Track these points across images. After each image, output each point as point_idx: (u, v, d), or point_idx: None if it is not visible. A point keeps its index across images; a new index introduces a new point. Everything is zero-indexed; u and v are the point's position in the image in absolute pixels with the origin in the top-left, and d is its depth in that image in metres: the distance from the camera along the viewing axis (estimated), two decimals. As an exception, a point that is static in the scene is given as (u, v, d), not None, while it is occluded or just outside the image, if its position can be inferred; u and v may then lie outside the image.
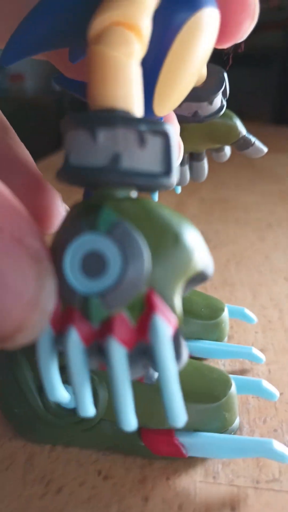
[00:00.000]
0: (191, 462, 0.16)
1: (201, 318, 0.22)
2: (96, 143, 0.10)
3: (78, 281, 0.10)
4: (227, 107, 0.19)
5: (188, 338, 0.22)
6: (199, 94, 0.18)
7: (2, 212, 0.09)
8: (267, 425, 0.18)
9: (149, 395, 0.16)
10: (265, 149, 0.21)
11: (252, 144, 0.20)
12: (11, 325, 0.09)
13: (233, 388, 0.17)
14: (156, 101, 0.13)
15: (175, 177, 0.10)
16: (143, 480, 0.15)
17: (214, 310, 0.23)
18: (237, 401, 0.17)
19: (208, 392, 0.17)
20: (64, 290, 0.10)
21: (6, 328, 0.09)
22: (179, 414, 0.10)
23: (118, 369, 0.10)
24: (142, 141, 0.10)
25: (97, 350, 0.10)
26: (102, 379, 0.16)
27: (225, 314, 0.23)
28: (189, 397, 0.15)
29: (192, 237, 0.11)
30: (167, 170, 0.10)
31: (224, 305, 0.23)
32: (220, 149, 0.21)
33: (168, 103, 0.14)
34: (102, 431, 0.16)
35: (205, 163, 0.21)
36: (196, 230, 0.11)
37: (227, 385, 0.17)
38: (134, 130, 0.10)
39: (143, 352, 0.10)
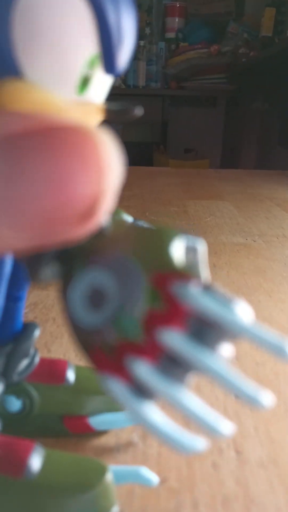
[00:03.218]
0: None
1: (101, 393, 0.24)
2: None
3: (93, 315, 0.11)
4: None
5: (89, 413, 0.24)
6: None
7: None
8: (146, 515, 0.19)
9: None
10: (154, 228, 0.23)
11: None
12: (93, 197, 0.10)
13: (108, 476, 0.18)
14: None
15: None
16: None
17: None
18: (113, 488, 0.19)
19: (82, 482, 0.18)
20: (106, 330, 0.11)
21: (90, 199, 0.10)
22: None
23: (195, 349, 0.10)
24: None
25: (170, 363, 0.11)
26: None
27: None
28: (64, 489, 0.17)
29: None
30: None
31: None
32: None
33: None
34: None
35: None
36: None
37: (101, 473, 0.18)
38: None
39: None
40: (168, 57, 1.68)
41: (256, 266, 0.47)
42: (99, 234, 0.12)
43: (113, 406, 0.24)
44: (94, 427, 0.24)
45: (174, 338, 0.10)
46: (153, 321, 0.10)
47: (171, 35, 1.67)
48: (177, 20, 1.65)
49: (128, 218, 0.23)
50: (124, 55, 0.15)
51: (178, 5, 1.63)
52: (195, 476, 0.21)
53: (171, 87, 1.69)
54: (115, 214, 0.23)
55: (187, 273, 0.11)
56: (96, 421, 0.24)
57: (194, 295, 0.10)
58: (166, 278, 0.11)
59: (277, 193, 0.86)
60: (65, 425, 0.24)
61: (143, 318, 0.10)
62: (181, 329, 0.10)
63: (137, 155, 1.53)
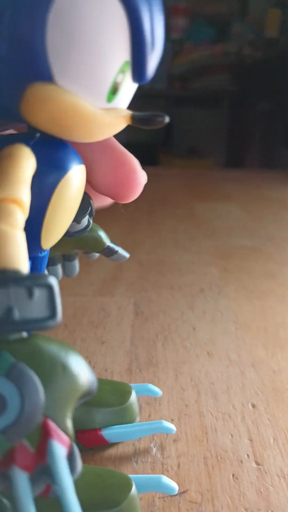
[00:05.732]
0: None
1: (112, 406, 0.24)
2: None
3: None
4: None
5: (101, 426, 0.23)
6: None
7: None
8: (168, 529, 0.19)
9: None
10: (127, 255, 0.24)
11: (116, 252, 0.23)
12: None
13: (134, 491, 0.18)
14: (43, 240, 0.16)
15: (59, 316, 0.12)
16: None
17: (122, 395, 0.24)
18: (138, 504, 0.18)
19: (108, 498, 0.18)
20: None
21: None
22: None
23: (21, 491, 0.12)
24: (30, 294, 0.12)
25: (3, 475, 0.12)
26: None
27: (133, 396, 0.25)
28: (89, 506, 0.17)
29: (77, 364, 0.13)
30: (53, 314, 0.12)
31: (131, 387, 0.25)
32: (89, 252, 0.24)
33: (52, 240, 0.16)
34: None
35: (76, 262, 0.24)
36: (80, 356, 0.13)
37: (127, 488, 0.18)
38: (23, 286, 0.12)
39: (44, 471, 0.12)
40: (173, 58, 1.68)
41: (267, 271, 0.47)
42: None
43: (125, 418, 0.24)
44: (108, 440, 0.23)
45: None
46: (20, 452, 0.12)
47: (175, 35, 1.67)
48: (181, 20, 1.64)
49: (107, 241, 0.23)
50: (153, 63, 0.14)
51: (182, 6, 1.63)
52: (216, 488, 0.21)
53: (175, 87, 1.69)
54: (93, 231, 0.23)
55: (68, 436, 0.13)
56: (110, 433, 0.23)
57: (55, 461, 0.12)
58: (51, 430, 0.12)
59: (283, 195, 0.86)
60: (79, 440, 0.23)
61: (13, 444, 0.12)
62: (29, 471, 0.12)
63: (142, 156, 1.53)
